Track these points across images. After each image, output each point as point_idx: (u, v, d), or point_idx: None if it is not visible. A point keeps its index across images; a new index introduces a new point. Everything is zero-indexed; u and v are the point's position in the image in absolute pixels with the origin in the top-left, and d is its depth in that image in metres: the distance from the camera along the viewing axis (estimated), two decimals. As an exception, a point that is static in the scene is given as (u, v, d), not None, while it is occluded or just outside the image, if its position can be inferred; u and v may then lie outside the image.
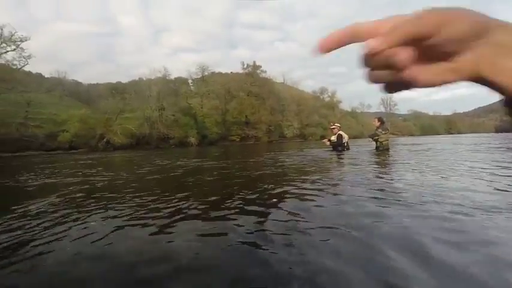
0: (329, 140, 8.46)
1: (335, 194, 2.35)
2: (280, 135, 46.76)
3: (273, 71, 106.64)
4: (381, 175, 3.24)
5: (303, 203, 2.11)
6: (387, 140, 7.70)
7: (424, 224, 1.54)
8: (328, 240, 1.37)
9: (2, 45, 25.90)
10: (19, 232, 1.71)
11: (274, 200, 2.25)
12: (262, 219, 1.76)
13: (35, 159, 12.43)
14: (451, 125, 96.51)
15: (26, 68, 29.60)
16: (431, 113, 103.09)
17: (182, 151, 16.05)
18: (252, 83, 46.46)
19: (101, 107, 32.14)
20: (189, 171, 4.70)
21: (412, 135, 66.81)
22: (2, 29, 25.55)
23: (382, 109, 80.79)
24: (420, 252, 1.20)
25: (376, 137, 7.62)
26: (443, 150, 7.07)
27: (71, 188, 3.42)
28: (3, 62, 26.50)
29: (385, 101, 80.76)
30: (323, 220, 1.67)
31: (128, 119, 30.86)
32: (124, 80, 53.65)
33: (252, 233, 1.51)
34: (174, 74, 44.12)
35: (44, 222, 1.92)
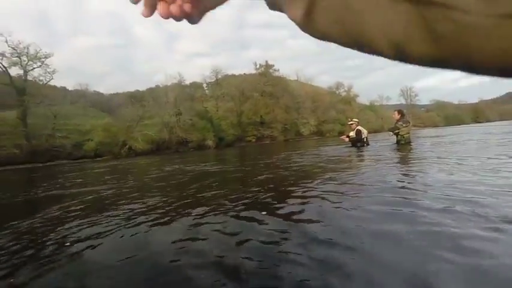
0: (347, 136, 8.30)
1: (354, 196, 2.30)
2: (296, 133, 46.32)
3: (286, 69, 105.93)
4: (402, 172, 3.09)
5: (323, 205, 2.09)
6: (408, 133, 7.44)
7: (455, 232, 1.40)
8: (360, 245, 1.35)
9: (29, 63, 27.68)
10: (56, 232, 1.83)
11: (296, 201, 2.25)
12: (288, 221, 1.77)
13: (64, 168, 13.16)
14: (478, 113, 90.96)
15: (51, 83, 31.49)
16: (456, 102, 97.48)
17: (201, 154, 16.34)
18: (266, 82, 46.42)
19: (121, 115, 33.39)
20: (210, 173, 4.79)
21: (436, 126, 63.76)
22: (28, 48, 27.32)
23: (402, 101, 77.47)
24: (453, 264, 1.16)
25: (397, 131, 7.38)
26: (469, 141, 6.71)
27: (101, 192, 3.60)
28: (31, 78, 28.31)
29: (405, 92, 77.50)
30: (344, 223, 1.65)
31: (148, 126, 31.84)
32: (142, 87, 55.27)
33: (277, 234, 1.53)
34: (189, 79, 45.08)
35: (80, 223, 2.05)
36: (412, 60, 0.20)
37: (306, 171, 4.06)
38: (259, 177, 3.83)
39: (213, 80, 45.43)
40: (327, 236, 1.44)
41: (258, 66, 48.70)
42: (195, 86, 45.76)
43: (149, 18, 0.34)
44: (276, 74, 49.49)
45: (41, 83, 29.07)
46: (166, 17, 0.34)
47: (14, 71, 27.50)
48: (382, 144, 8.34)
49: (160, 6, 0.34)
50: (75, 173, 8.41)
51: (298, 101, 49.86)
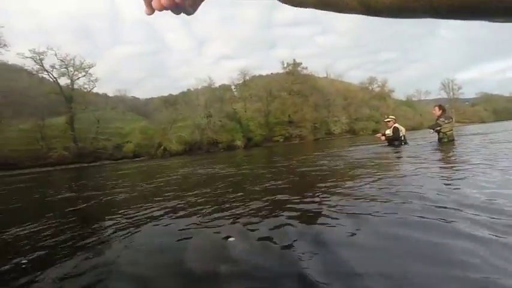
0: (383, 135, 7.85)
1: (388, 201, 2.13)
2: (326, 132, 45.08)
3: (315, 66, 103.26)
4: (443, 180, 2.61)
5: (354, 211, 1.96)
6: (451, 130, 6.81)
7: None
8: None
9: (75, 73, 30.48)
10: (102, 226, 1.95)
11: (330, 204, 2.15)
12: (318, 226, 1.69)
13: (106, 168, 14.22)
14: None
15: (94, 90, 34.30)
16: (506, 94, 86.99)
17: (230, 154, 16.60)
18: (293, 81, 45.85)
19: (157, 118, 35.30)
20: (245, 175, 4.81)
21: (483, 122, 57.87)
22: (74, 60, 30.09)
23: (444, 95, 71.43)
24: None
25: (438, 128, 6.79)
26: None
27: (142, 188, 3.80)
28: (77, 87, 31.12)
29: (446, 86, 71.38)
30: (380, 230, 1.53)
31: (181, 128, 33.27)
32: (174, 92, 57.96)
33: (309, 237, 1.46)
34: (218, 82, 46.14)
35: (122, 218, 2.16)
36: (381, 12, 0.20)
37: (336, 172, 3.89)
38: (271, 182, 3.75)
39: (240, 82, 46.02)
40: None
41: (285, 65, 48.32)
42: (224, 88, 46.74)
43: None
44: (304, 71, 48.65)
45: (85, 90, 31.86)
46: (160, 9, 0.37)
47: (63, 81, 30.55)
48: (421, 142, 7.75)
49: (153, 0, 0.36)
50: (121, 172, 9.03)
51: (328, 98, 48.49)
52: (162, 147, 30.38)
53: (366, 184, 2.70)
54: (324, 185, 2.92)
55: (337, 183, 2.96)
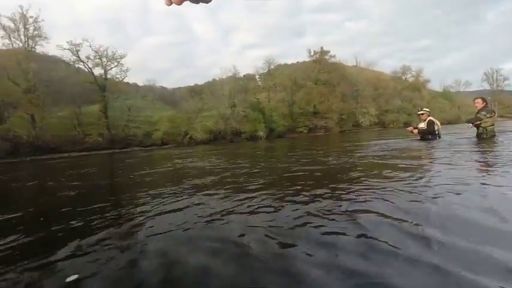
0: (416, 128, 7.36)
1: (409, 210, 1.93)
2: (354, 124, 43.32)
3: (344, 54, 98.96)
4: (479, 185, 2.18)
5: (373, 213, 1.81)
6: (493, 125, 6.19)
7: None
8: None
9: (107, 63, 32.01)
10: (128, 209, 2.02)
11: (350, 204, 2.02)
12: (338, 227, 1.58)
13: (139, 154, 14.92)
14: None
15: (126, 80, 35.85)
16: None
17: (252, 145, 16.62)
18: (320, 70, 44.21)
19: (183, 107, 36.22)
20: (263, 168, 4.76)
21: (532, 116, 52.24)
22: (106, 51, 31.54)
23: (486, 86, 64.87)
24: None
25: (478, 122, 6.20)
26: None
27: (171, 174, 3.92)
28: (109, 76, 32.73)
29: (489, 76, 64.63)
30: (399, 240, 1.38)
31: (206, 117, 33.90)
32: (200, 82, 58.84)
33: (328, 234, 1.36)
34: (242, 71, 46.01)
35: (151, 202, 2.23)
36: None
37: (354, 168, 3.68)
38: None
39: (265, 71, 45.35)
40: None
41: (312, 53, 46.64)
42: (248, 77, 46.48)
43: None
44: (332, 60, 46.64)
45: (117, 80, 33.43)
46: (179, 3, 0.39)
47: (97, 71, 32.29)
48: (458, 137, 7.13)
49: None
50: (157, 158, 9.44)
51: (357, 88, 46.41)
52: (188, 136, 31.25)
53: (384, 187, 2.50)
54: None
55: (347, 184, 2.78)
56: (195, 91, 46.69)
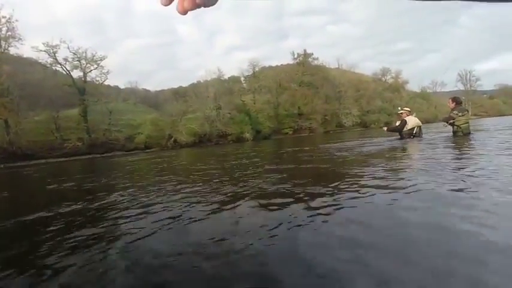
0: (386, 126, 8.01)
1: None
2: (337, 125, 44.34)
3: (327, 56, 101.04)
4: (450, 187, 2.08)
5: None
6: (467, 123, 6.53)
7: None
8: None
9: (87, 66, 30.97)
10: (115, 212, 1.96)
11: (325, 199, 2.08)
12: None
13: (120, 159, 14.48)
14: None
15: (106, 82, 34.79)
16: None
17: (238, 146, 16.60)
18: (304, 72, 45.00)
19: (167, 110, 35.60)
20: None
21: (502, 115, 55.46)
22: (86, 52, 30.52)
23: (461, 86, 68.34)
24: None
25: (452, 120, 6.55)
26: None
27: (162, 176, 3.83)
28: (89, 79, 31.67)
29: (463, 77, 68.20)
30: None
31: (191, 120, 33.48)
32: (184, 84, 58.10)
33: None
34: (227, 74, 45.82)
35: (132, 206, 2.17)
36: None
37: (330, 169, 3.79)
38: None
39: (250, 73, 45.51)
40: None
41: (295, 56, 47.39)
42: (234, 80, 46.45)
43: (185, 15, 0.37)
44: (315, 62, 47.68)
45: (97, 83, 32.39)
46: (184, 13, 0.38)
47: (75, 74, 31.10)
48: (436, 136, 7.47)
49: (179, 4, 0.37)
50: (141, 162, 9.20)
51: (339, 90, 47.51)
52: (172, 139, 30.72)
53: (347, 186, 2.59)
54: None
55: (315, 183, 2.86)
56: (179, 93, 46.05)
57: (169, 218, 2.01)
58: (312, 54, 47.19)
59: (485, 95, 76.14)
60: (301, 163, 4.81)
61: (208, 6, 0.39)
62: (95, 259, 1.39)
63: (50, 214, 2.51)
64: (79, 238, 1.74)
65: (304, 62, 46.30)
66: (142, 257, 1.38)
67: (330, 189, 2.39)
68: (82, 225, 2.06)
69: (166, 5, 0.38)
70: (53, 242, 1.71)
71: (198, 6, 0.38)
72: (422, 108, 51.96)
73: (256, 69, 45.40)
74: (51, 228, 2.03)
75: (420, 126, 7.52)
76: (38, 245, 1.68)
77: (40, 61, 29.44)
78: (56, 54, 29.06)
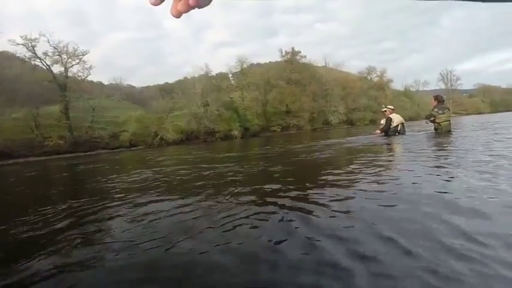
0: (380, 129, 8.01)
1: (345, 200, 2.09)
2: (324, 122, 44.94)
3: (314, 55, 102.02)
4: (432, 173, 2.46)
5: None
6: (448, 121, 6.80)
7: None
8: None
9: (68, 61, 29.76)
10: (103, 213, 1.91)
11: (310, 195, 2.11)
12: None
13: (103, 157, 14.12)
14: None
15: (89, 78, 33.53)
16: (504, 86, 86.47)
17: (227, 144, 16.54)
18: (292, 70, 45.20)
19: (153, 107, 34.88)
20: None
21: (480, 113, 58.03)
22: (67, 46, 29.31)
23: (442, 85, 71.02)
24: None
25: (433, 118, 6.81)
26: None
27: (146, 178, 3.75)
28: (71, 75, 30.47)
29: (444, 76, 70.96)
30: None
31: (178, 117, 32.95)
32: (171, 80, 57.18)
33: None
34: (215, 70, 45.29)
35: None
36: None
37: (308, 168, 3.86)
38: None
39: (238, 70, 45.21)
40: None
41: (284, 53, 47.47)
42: (221, 76, 45.97)
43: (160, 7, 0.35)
44: (303, 60, 47.94)
45: (79, 78, 31.19)
46: (178, 16, 0.37)
47: (56, 69, 29.76)
48: (418, 133, 7.73)
49: (172, 7, 0.37)
50: (122, 161, 8.96)
51: (326, 88, 48.05)
52: (158, 137, 30.16)
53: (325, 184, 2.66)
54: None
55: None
56: (165, 90, 45.22)
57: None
58: (300, 52, 47.45)
59: (465, 94, 79.41)
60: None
61: (202, 7, 0.40)
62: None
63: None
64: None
65: (292, 60, 46.48)
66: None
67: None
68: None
69: (156, 5, 0.37)
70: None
71: (192, 7, 0.38)
72: (406, 106, 53.49)
73: (244, 66, 45.11)
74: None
75: (403, 124, 7.79)
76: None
77: (18, 55, 28.04)
78: (35, 48, 27.73)
